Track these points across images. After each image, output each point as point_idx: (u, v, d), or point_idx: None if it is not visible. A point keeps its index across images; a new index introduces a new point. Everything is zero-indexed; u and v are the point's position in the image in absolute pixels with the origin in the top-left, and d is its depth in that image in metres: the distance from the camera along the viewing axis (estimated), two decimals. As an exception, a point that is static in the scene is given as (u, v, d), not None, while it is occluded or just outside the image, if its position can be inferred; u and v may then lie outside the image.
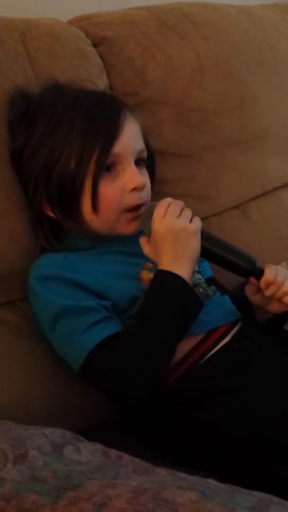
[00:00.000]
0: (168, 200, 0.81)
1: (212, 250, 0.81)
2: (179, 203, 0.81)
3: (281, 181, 1.26)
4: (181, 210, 0.80)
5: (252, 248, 1.16)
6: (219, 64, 1.12)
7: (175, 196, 1.05)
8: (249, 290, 0.84)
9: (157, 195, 1.00)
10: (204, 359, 0.80)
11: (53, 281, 0.80)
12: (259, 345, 0.83)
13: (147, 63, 1.04)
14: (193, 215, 0.81)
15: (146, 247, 0.81)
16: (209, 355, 0.81)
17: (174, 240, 0.78)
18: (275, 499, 0.47)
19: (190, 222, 0.79)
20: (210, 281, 0.92)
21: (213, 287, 0.89)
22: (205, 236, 0.80)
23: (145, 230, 0.82)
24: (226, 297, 0.90)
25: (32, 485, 0.50)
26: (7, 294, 0.87)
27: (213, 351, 0.81)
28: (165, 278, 0.78)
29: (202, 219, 1.11)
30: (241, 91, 1.14)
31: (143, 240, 0.82)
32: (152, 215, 0.80)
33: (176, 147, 1.07)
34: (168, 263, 0.78)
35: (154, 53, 1.05)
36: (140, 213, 0.83)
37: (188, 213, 0.80)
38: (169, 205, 0.80)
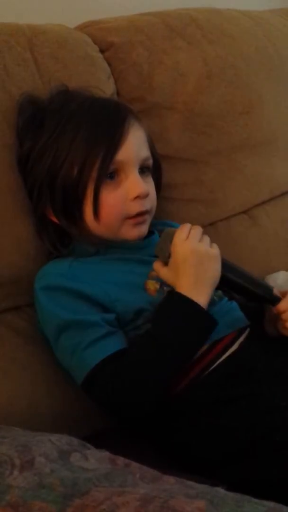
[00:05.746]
0: (188, 225, 0.80)
1: (233, 280, 0.81)
2: (200, 229, 0.81)
3: (289, 186, 1.26)
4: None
5: (260, 253, 1.16)
6: (226, 69, 1.11)
7: (183, 201, 1.07)
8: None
9: (165, 200, 1.00)
10: (212, 367, 0.80)
11: (58, 292, 0.80)
12: (267, 351, 0.82)
13: (154, 69, 1.04)
14: (211, 242, 0.81)
15: (162, 270, 0.80)
16: (216, 363, 0.80)
17: (197, 263, 0.77)
18: (285, 508, 0.47)
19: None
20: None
21: (219, 292, 0.88)
22: (225, 265, 0.80)
23: (160, 254, 0.81)
24: (234, 304, 0.89)
25: (39, 492, 0.50)
26: (14, 299, 0.87)
27: (220, 360, 0.80)
28: (182, 304, 0.76)
29: (210, 224, 1.13)
30: (248, 95, 1.14)
31: (157, 264, 0.81)
32: (171, 239, 0.79)
33: (183, 152, 1.06)
34: (187, 287, 0.76)
35: (161, 59, 1.05)
36: (144, 219, 0.83)
37: (207, 239, 0.80)
38: (190, 229, 0.80)
